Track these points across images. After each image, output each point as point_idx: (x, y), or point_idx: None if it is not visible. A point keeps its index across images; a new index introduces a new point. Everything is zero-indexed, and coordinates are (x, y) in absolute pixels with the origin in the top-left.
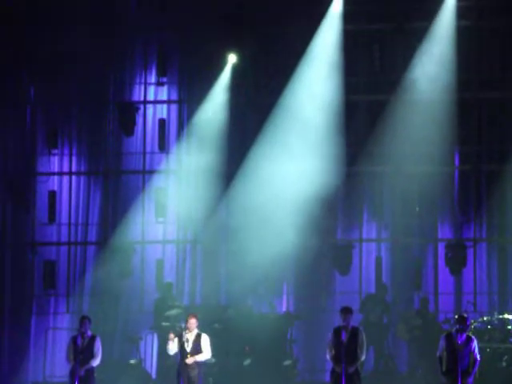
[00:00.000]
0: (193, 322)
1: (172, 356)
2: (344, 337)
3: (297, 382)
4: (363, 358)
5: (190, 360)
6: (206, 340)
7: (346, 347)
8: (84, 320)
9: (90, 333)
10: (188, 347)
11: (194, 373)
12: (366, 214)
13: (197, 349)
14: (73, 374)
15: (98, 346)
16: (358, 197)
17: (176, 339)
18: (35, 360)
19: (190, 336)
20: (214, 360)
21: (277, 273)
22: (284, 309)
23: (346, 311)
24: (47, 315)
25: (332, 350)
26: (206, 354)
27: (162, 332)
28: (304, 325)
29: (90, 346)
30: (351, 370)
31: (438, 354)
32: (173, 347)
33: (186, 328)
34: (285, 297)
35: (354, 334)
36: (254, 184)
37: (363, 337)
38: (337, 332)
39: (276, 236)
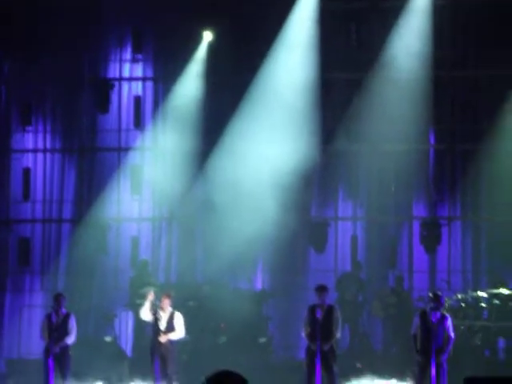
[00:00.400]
0: (166, 302)
1: (146, 335)
2: (319, 314)
3: (271, 359)
4: (338, 335)
5: (163, 338)
6: (179, 318)
7: (321, 325)
8: (58, 297)
9: (64, 310)
10: (162, 326)
11: (168, 351)
12: (342, 192)
13: (170, 327)
14: (47, 351)
15: (73, 324)
16: (334, 175)
17: (151, 301)
18: (10, 337)
19: (163, 314)
20: (187, 338)
21: (253, 250)
22: (259, 286)
23: (322, 289)
24: (22, 293)
25: (307, 327)
26: (179, 332)
27: (137, 310)
28: (279, 302)
29: (64, 323)
30: (326, 347)
31: (412, 332)
32: (146, 312)
33: (160, 307)
34: (260, 274)
35: (329, 311)
36: (231, 161)
37: (338, 314)
38: (312, 310)
39: (252, 214)
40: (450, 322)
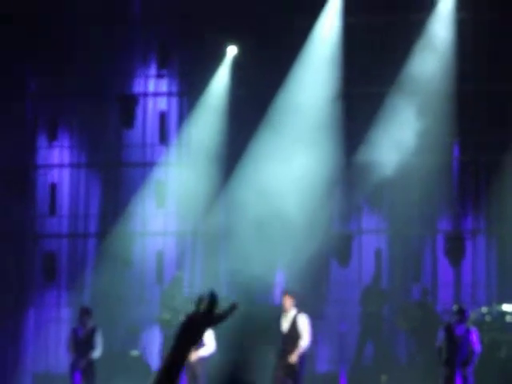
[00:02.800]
0: None
1: None
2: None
3: None
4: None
5: (193, 356)
6: (209, 333)
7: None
8: (84, 312)
9: (90, 325)
10: None
11: (198, 368)
12: (366, 205)
13: (200, 342)
14: (73, 365)
15: (99, 338)
16: (358, 188)
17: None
18: (36, 352)
19: None
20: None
21: (276, 264)
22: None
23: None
24: (48, 307)
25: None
26: (209, 347)
27: (165, 324)
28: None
29: (90, 337)
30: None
31: (437, 344)
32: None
33: None
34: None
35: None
36: (253, 176)
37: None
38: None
39: (275, 228)
40: (475, 335)
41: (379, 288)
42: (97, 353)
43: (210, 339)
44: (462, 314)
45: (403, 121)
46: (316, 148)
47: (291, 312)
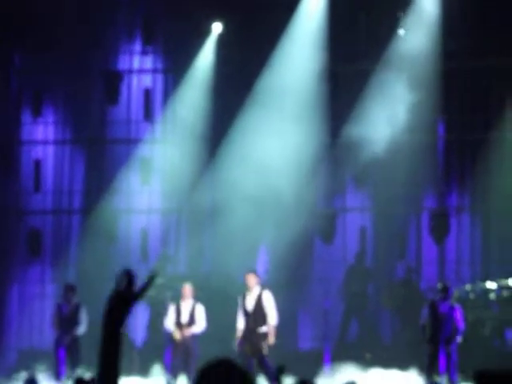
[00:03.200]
0: (188, 291)
1: (164, 327)
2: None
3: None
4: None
5: (186, 332)
6: (201, 310)
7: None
8: (68, 288)
9: (74, 301)
10: (183, 318)
11: (190, 345)
12: (350, 184)
13: (192, 320)
14: (58, 341)
15: (83, 315)
16: (343, 166)
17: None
18: (20, 328)
19: (184, 305)
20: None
21: (260, 241)
22: (265, 277)
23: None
24: (32, 283)
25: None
26: (201, 324)
27: (147, 301)
28: (286, 294)
29: (75, 314)
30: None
31: (421, 322)
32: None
33: (181, 298)
34: (266, 265)
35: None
36: (239, 154)
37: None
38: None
39: (259, 205)
40: (459, 313)
41: (363, 266)
42: (81, 329)
43: (201, 317)
44: (445, 291)
45: (389, 98)
46: (302, 126)
47: (255, 290)
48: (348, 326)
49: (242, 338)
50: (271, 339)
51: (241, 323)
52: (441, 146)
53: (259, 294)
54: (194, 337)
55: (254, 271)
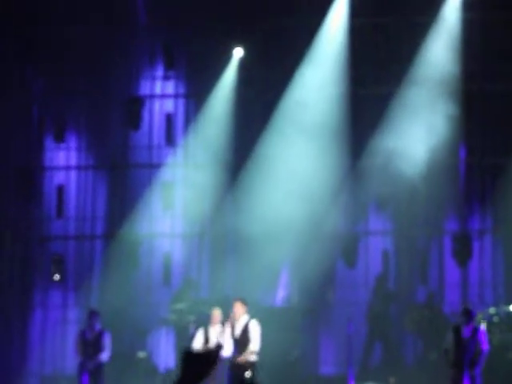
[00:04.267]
0: (217, 314)
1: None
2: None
3: (301, 375)
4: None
5: (241, 359)
6: (227, 335)
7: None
8: (92, 314)
9: (98, 327)
10: (211, 343)
11: (218, 369)
12: (371, 206)
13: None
14: (81, 367)
15: (107, 341)
16: (365, 189)
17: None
18: (43, 354)
19: (212, 331)
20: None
21: (282, 266)
22: (287, 302)
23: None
24: (55, 309)
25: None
26: (228, 349)
27: (170, 325)
28: (308, 319)
29: (98, 340)
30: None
31: (444, 346)
32: (199, 340)
33: (233, 317)
34: (288, 290)
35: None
36: (261, 178)
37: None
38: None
39: (281, 229)
40: (483, 335)
41: (386, 289)
42: (105, 355)
43: (228, 341)
44: (468, 314)
45: (411, 121)
46: (323, 149)
47: (243, 318)
48: (371, 349)
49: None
50: (242, 358)
51: (228, 349)
52: (462, 168)
53: (246, 323)
54: (222, 361)
55: (242, 299)
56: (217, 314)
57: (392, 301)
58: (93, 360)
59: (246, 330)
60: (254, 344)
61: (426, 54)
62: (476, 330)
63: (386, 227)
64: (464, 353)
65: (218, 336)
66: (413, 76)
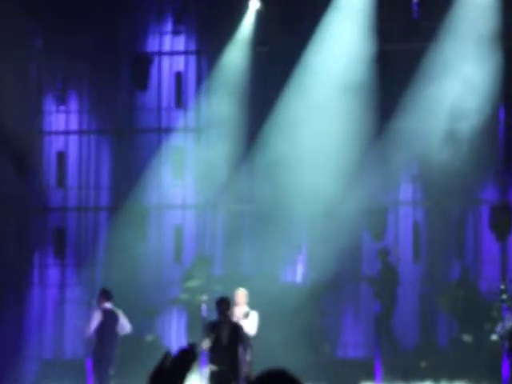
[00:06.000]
0: (242, 295)
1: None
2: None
3: (327, 357)
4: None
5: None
6: (254, 318)
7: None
8: (103, 293)
9: (108, 307)
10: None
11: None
12: (402, 176)
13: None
14: (89, 351)
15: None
16: (394, 154)
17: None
18: (42, 335)
19: (237, 313)
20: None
21: (304, 238)
22: (309, 278)
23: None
24: (55, 287)
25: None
26: (251, 332)
27: (181, 305)
28: (332, 295)
29: (109, 321)
30: None
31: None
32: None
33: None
34: (310, 264)
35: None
36: (280, 145)
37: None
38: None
39: (304, 198)
40: None
41: (417, 265)
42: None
43: (254, 324)
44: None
45: (445, 81)
46: (347, 112)
47: (244, 307)
48: (388, 330)
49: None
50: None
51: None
52: (502, 131)
53: (247, 313)
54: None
55: (244, 290)
56: (241, 294)
57: (424, 278)
58: (102, 344)
59: (244, 321)
60: (252, 327)
61: (463, 9)
62: None
63: (416, 197)
64: None
65: (243, 319)
66: (447, 31)
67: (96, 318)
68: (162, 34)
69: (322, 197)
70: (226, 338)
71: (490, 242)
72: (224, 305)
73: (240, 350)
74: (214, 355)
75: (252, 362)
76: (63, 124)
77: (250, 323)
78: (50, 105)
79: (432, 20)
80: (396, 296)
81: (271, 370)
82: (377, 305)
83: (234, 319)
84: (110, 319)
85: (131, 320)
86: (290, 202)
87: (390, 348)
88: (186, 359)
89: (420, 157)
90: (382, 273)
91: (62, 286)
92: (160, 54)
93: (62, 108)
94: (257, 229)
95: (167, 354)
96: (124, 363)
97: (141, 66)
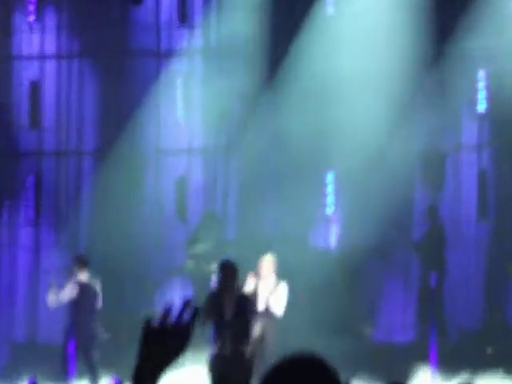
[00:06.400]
0: (269, 263)
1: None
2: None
3: (368, 342)
4: None
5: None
6: (283, 291)
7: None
8: (79, 261)
9: (84, 278)
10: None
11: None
12: (464, 110)
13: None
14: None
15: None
16: (453, 88)
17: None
18: (12, 314)
19: (262, 285)
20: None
21: (340, 192)
22: (348, 242)
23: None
24: (28, 249)
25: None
26: (280, 310)
27: (186, 275)
28: (377, 265)
29: (86, 294)
30: None
31: None
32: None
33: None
34: (342, 225)
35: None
36: (307, 74)
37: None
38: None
39: (340, 141)
40: None
41: (481, 223)
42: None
43: (282, 299)
44: None
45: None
46: (395, 36)
47: (271, 279)
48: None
49: None
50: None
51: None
52: None
53: (275, 284)
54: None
55: (271, 256)
56: (268, 261)
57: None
58: (81, 322)
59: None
60: (280, 306)
61: None
62: None
63: (483, 139)
64: None
65: (271, 293)
66: None
67: (67, 294)
68: None
69: (363, 137)
70: (229, 312)
71: None
72: (228, 271)
73: (247, 326)
74: (216, 332)
75: (265, 342)
76: (37, 46)
77: (277, 299)
78: (19, 21)
79: None
80: (445, 262)
81: (295, 356)
82: (432, 277)
83: (262, 298)
84: (86, 295)
85: (123, 293)
86: (324, 145)
87: (440, 330)
88: (192, 313)
89: (489, 87)
90: (428, 235)
91: (37, 249)
92: None
93: (35, 26)
94: (280, 180)
95: (149, 322)
96: (115, 345)
97: None
